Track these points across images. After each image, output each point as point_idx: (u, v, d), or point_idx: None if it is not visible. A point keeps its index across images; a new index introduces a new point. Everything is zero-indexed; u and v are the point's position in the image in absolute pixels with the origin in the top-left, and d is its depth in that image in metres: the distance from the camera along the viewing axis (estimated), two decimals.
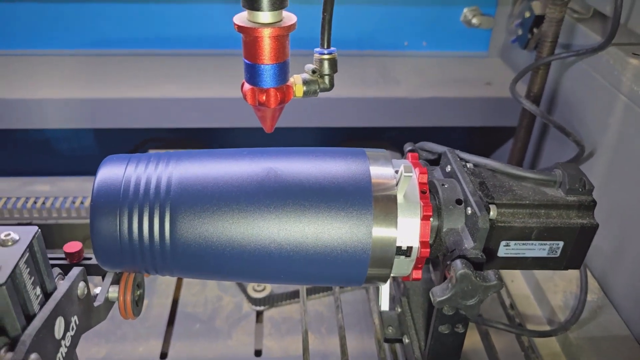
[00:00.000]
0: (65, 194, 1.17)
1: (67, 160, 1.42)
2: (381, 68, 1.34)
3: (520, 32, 1.17)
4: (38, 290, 0.50)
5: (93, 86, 1.24)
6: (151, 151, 1.24)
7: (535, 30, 1.13)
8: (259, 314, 1.05)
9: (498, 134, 1.35)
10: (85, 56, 1.34)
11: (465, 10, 1.31)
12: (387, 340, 0.79)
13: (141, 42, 1.34)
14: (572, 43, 1.04)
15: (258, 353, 0.97)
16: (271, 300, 1.06)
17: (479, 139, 1.41)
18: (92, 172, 1.23)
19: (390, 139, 1.41)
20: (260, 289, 1.07)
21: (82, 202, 1.12)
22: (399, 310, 0.78)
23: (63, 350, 0.52)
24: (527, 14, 1.13)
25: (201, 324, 1.02)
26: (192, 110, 1.22)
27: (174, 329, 1.01)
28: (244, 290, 1.08)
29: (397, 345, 0.84)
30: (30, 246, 0.48)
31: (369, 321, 1.00)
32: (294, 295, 1.06)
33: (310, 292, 1.06)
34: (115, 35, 1.33)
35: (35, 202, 1.12)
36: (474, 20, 1.30)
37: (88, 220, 1.11)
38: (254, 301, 1.06)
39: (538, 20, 1.11)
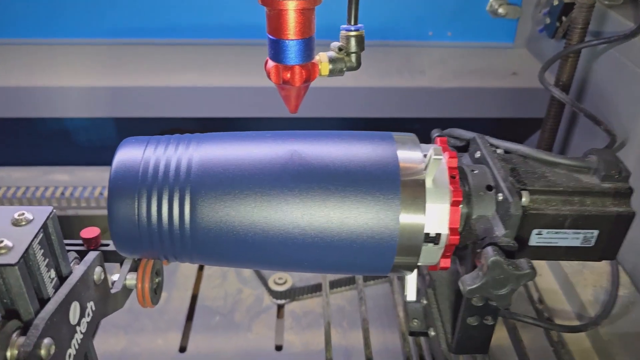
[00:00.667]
0: (84, 184, 1.16)
1: (86, 150, 1.42)
2: (405, 58, 1.32)
3: (548, 20, 1.14)
4: (53, 273, 0.49)
5: (113, 75, 1.23)
6: None
7: (563, 18, 1.10)
8: (280, 308, 1.04)
9: (524, 125, 1.32)
10: (105, 45, 1.34)
11: None
12: (412, 334, 0.77)
13: (161, 32, 1.33)
14: (602, 30, 1.01)
15: (279, 347, 0.96)
16: (292, 294, 1.05)
17: (505, 131, 1.38)
18: (109, 163, 1.23)
19: (415, 130, 1.38)
20: (281, 282, 1.06)
21: (101, 193, 1.12)
22: (425, 302, 0.76)
23: (78, 336, 0.50)
24: (556, 2, 1.10)
25: (221, 317, 1.01)
26: (212, 99, 1.20)
27: (194, 322, 1.00)
28: (265, 284, 1.07)
29: (422, 339, 0.82)
30: (44, 226, 0.47)
31: (391, 315, 0.98)
32: (316, 288, 1.05)
33: (332, 285, 1.04)
34: (135, 25, 1.32)
35: (54, 192, 1.12)
36: (500, 10, 1.27)
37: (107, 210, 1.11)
38: (275, 294, 1.04)
39: (566, 8, 1.08)
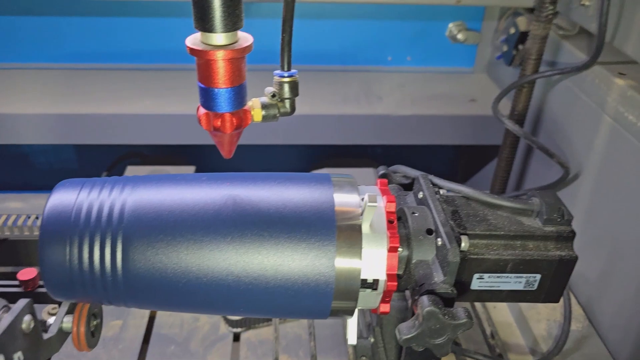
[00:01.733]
0: (38, 211, 1.13)
1: (43, 175, 1.39)
2: (364, 84, 1.31)
3: (505, 48, 1.15)
4: None
5: (70, 101, 1.21)
6: (129, 168, 1.22)
7: (520, 46, 1.10)
8: (236, 336, 1.02)
9: (483, 152, 1.33)
10: (62, 70, 1.32)
11: (450, 25, 1.29)
12: None
13: (119, 57, 1.32)
14: (557, 61, 1.01)
15: None
16: (248, 322, 1.03)
17: (464, 157, 1.39)
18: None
19: (373, 157, 1.38)
20: None
21: None
22: (372, 340, 0.75)
23: None
24: (512, 30, 1.11)
25: (176, 346, 0.98)
26: (171, 126, 1.19)
27: (149, 350, 0.97)
28: None
29: None
30: None
31: (342, 350, 0.96)
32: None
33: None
34: (92, 50, 1.31)
35: (7, 220, 1.09)
36: (460, 36, 1.28)
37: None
38: (231, 323, 1.03)
39: (523, 36, 1.09)
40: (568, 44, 0.99)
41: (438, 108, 1.22)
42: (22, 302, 0.53)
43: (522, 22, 1.08)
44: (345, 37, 1.30)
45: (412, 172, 0.68)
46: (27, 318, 0.53)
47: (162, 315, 1.04)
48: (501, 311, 0.95)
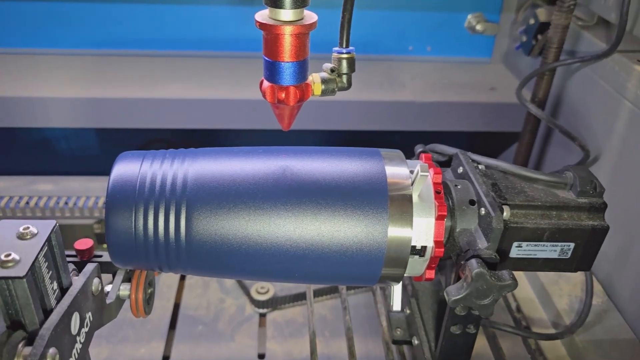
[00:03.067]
0: (69, 194, 1.16)
1: (69, 160, 1.42)
2: (386, 72, 1.35)
3: (524, 38, 1.18)
4: (55, 285, 0.50)
5: (97, 86, 1.24)
6: None
7: (539, 37, 1.14)
8: (262, 317, 1.05)
9: (501, 139, 1.36)
10: (90, 56, 1.34)
11: (469, 16, 1.32)
12: (395, 342, 0.79)
13: (146, 43, 1.34)
14: (576, 50, 1.05)
15: (261, 356, 0.97)
16: (274, 303, 1.06)
17: (483, 144, 1.42)
18: (95, 172, 1.23)
19: (395, 143, 1.42)
20: (263, 291, 1.07)
21: (85, 202, 1.12)
22: (408, 312, 0.78)
23: (78, 346, 0.51)
24: (532, 21, 1.14)
25: (203, 327, 1.01)
26: (196, 111, 1.22)
27: (176, 331, 1.00)
28: (247, 293, 1.08)
29: (405, 347, 0.84)
30: (48, 240, 0.48)
31: (374, 324, 1.00)
32: (298, 297, 1.06)
33: (315, 294, 1.05)
34: (120, 36, 1.33)
35: (37, 202, 1.12)
36: (478, 27, 1.31)
37: (92, 220, 1.12)
38: (257, 303, 1.05)
39: (542, 27, 1.12)
40: (587, 33, 1.02)
41: (459, 95, 1.25)
42: (91, 266, 0.57)
43: (542, 13, 1.12)
44: (368, 27, 1.33)
45: (450, 150, 0.71)
46: (96, 281, 0.57)
47: (188, 298, 1.07)
48: (523, 288, 0.99)
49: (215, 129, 1.26)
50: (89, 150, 1.41)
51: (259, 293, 1.07)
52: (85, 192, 1.18)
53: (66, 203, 1.12)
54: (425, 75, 1.34)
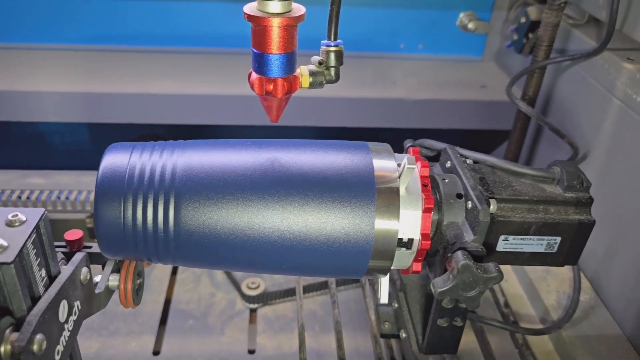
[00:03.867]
0: (60, 187, 1.16)
1: (61, 154, 1.42)
2: (378, 69, 1.35)
3: (515, 37, 1.19)
4: (43, 272, 0.50)
5: (90, 81, 1.24)
6: None
7: (530, 35, 1.15)
8: (253, 312, 1.05)
9: (491, 137, 1.37)
10: (84, 51, 1.34)
11: (461, 15, 1.33)
12: (383, 336, 0.79)
13: (139, 39, 1.35)
14: (567, 48, 1.06)
15: (252, 351, 0.97)
16: (265, 298, 1.06)
17: (473, 142, 1.43)
18: (87, 167, 1.23)
19: (386, 140, 1.41)
20: (254, 287, 1.07)
21: (77, 196, 1.12)
22: (396, 306, 0.79)
23: (66, 334, 0.52)
24: (523, 20, 1.15)
25: (194, 321, 1.02)
26: (188, 106, 1.22)
27: (167, 325, 1.00)
28: (238, 288, 1.08)
29: (393, 341, 0.85)
30: (37, 227, 0.48)
31: (362, 320, 1.00)
32: (288, 293, 1.07)
33: (305, 290, 1.06)
34: (113, 32, 1.33)
35: (29, 195, 1.12)
36: (470, 25, 1.32)
37: (83, 215, 1.12)
38: (248, 299, 1.06)
39: (533, 25, 1.13)
40: (578, 31, 1.03)
41: (451, 93, 1.26)
42: (79, 255, 0.57)
43: (533, 12, 1.12)
44: (360, 25, 1.34)
45: (439, 145, 0.72)
46: (85, 270, 0.57)
47: (179, 292, 1.07)
48: (512, 284, 0.99)
49: (207, 124, 1.27)
50: (81, 144, 1.41)
51: (249, 288, 1.07)
52: (77, 186, 1.18)
53: (58, 197, 1.12)
54: (416, 73, 1.35)
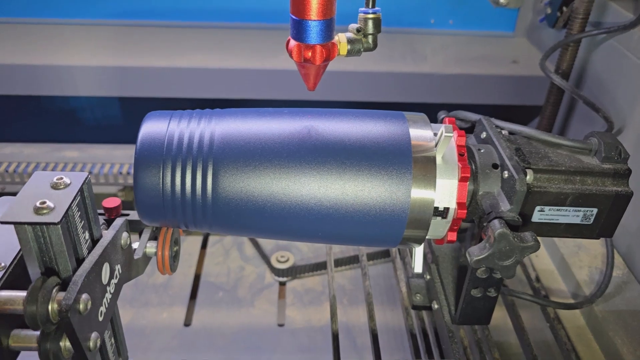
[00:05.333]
0: (94, 161, 1.18)
1: (94, 127, 1.43)
2: (408, 44, 1.34)
3: (549, 10, 1.17)
4: (87, 234, 0.51)
5: (122, 55, 1.25)
6: None
7: (564, 8, 1.13)
8: (282, 285, 1.06)
9: (522, 112, 1.35)
10: (115, 26, 1.35)
11: None
12: (415, 307, 0.80)
13: (170, 14, 1.35)
14: (602, 21, 1.04)
15: (281, 324, 0.98)
16: (294, 272, 1.07)
17: (504, 117, 1.40)
18: (119, 140, 1.24)
19: None
20: (283, 260, 1.08)
21: (109, 169, 1.14)
22: (428, 277, 0.79)
23: (108, 296, 0.53)
24: None
25: (224, 293, 1.03)
26: (218, 81, 1.22)
27: (197, 297, 1.02)
28: (267, 261, 1.09)
29: (424, 313, 0.85)
30: (81, 190, 0.49)
31: (392, 293, 1.01)
32: (317, 267, 1.08)
33: (335, 264, 1.06)
34: (144, 7, 1.34)
35: (64, 168, 1.14)
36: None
37: (116, 188, 1.14)
38: (277, 272, 1.07)
39: None
40: (614, 3, 1.01)
41: (481, 68, 1.25)
42: (120, 220, 0.58)
43: None
44: (390, 0, 1.33)
45: (473, 116, 0.71)
46: (125, 235, 0.58)
47: (209, 265, 1.09)
48: (543, 259, 0.99)
49: (237, 98, 1.27)
50: (112, 118, 1.42)
51: (279, 262, 1.08)
52: (110, 160, 1.19)
53: (91, 170, 1.14)
54: (446, 48, 1.34)
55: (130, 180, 1.15)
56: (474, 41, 1.38)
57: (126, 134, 1.23)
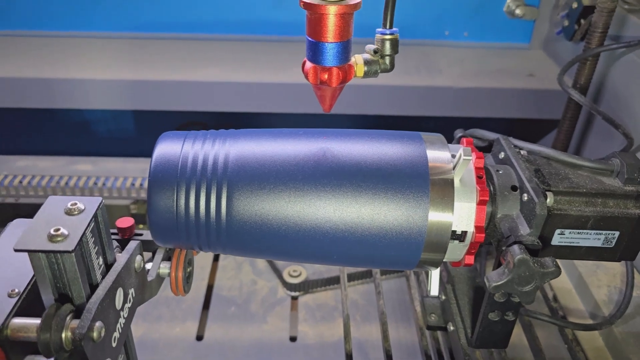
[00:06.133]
0: (107, 174, 1.18)
1: (107, 141, 1.44)
2: (422, 57, 1.34)
3: (566, 22, 1.16)
4: (101, 260, 0.51)
5: (136, 68, 1.25)
6: None
7: (582, 21, 1.11)
8: (294, 300, 1.05)
9: (538, 127, 1.34)
10: (130, 39, 1.36)
11: (508, 0, 1.30)
12: (429, 328, 0.79)
13: (184, 27, 1.36)
14: (622, 34, 1.02)
15: (293, 338, 0.97)
16: (306, 286, 1.06)
17: (520, 131, 1.40)
18: (131, 154, 1.25)
19: (430, 129, 1.41)
20: (296, 274, 1.08)
21: (122, 183, 1.14)
22: (443, 298, 0.78)
23: (122, 321, 0.52)
24: (575, 5, 1.12)
25: (236, 307, 1.02)
26: (233, 94, 1.22)
27: (210, 311, 1.01)
28: (280, 276, 1.08)
29: (439, 334, 0.84)
30: (95, 216, 0.49)
31: (405, 310, 0.99)
32: (329, 282, 1.07)
33: (347, 279, 1.05)
34: (158, 20, 1.34)
35: (77, 182, 1.14)
36: (518, 11, 1.29)
37: (128, 201, 1.13)
38: (289, 286, 1.06)
39: (586, 11, 1.09)
40: (634, 17, 0.99)
41: (497, 81, 1.24)
42: (133, 244, 0.57)
43: None
44: (405, 12, 1.32)
45: (491, 135, 0.70)
46: (139, 258, 0.57)
47: (221, 279, 1.08)
48: (561, 278, 0.97)
49: (252, 112, 1.27)
50: (126, 132, 1.43)
51: (291, 276, 1.07)
52: (123, 173, 1.19)
53: (104, 184, 1.14)
54: (461, 60, 1.33)
55: (143, 194, 1.15)
56: (489, 53, 1.37)
57: (139, 147, 1.23)
